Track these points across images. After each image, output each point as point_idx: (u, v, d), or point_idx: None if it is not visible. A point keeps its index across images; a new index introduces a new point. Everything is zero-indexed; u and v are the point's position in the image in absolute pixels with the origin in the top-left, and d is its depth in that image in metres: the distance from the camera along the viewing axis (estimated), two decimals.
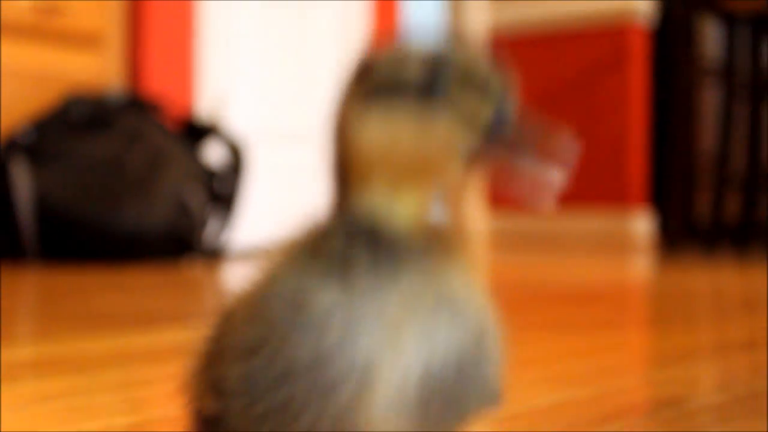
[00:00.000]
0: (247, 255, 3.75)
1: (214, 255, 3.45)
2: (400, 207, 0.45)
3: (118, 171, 3.20)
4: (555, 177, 0.43)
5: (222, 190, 3.47)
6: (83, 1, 3.54)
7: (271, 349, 0.42)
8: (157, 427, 0.90)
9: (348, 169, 0.46)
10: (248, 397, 0.42)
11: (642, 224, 5.65)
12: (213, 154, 3.58)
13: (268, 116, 4.06)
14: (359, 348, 0.42)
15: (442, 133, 0.44)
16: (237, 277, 2.87)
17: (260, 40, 4.05)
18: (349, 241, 0.44)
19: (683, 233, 4.28)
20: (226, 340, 0.45)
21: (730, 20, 4.34)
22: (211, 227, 3.45)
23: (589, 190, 5.65)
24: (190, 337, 1.49)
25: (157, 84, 3.69)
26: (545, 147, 0.44)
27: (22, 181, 3.16)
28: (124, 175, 3.20)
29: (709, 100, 4.64)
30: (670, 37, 4.37)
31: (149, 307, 1.99)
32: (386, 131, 0.44)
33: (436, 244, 0.45)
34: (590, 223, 5.71)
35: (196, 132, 3.53)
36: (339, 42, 4.34)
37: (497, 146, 0.45)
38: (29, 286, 2.48)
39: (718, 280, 2.85)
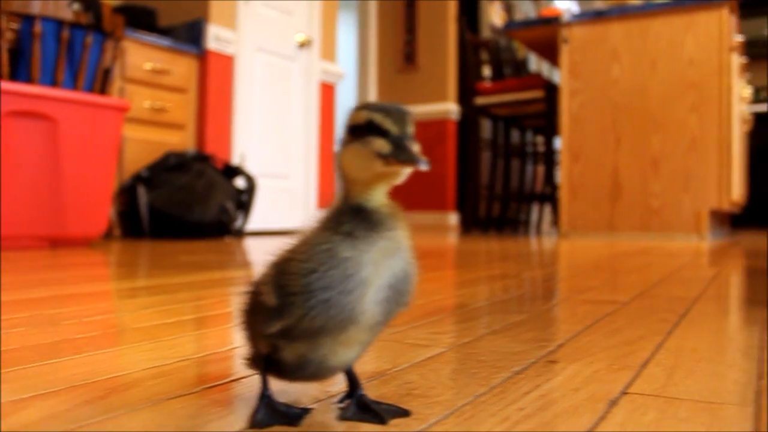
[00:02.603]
0: (255, 234, 3.76)
1: (239, 235, 3.45)
2: (374, 196, 0.43)
3: (192, 191, 3.21)
4: (416, 165, 0.40)
5: (244, 201, 3.47)
6: (177, 106, 3.58)
7: (321, 272, 0.41)
8: (212, 320, 0.91)
9: (344, 178, 0.44)
10: (306, 295, 0.41)
11: (453, 219, 5.73)
12: (240, 182, 3.56)
13: (266, 164, 4.00)
14: (362, 273, 0.41)
15: (369, 153, 0.41)
16: (250, 246, 2.82)
17: (262, 122, 4.00)
18: (351, 219, 0.42)
19: (472, 224, 4.29)
20: (290, 266, 0.42)
21: (495, 119, 4.40)
22: (238, 221, 3.45)
23: (428, 201, 5.75)
24: (227, 275, 1.56)
25: (211, 147, 3.67)
26: (412, 156, 0.40)
27: (142, 196, 3.16)
28: (195, 193, 3.20)
29: (485, 158, 4.77)
30: (467, 126, 4.36)
31: (206, 260, 1.94)
32: (347, 157, 0.43)
33: (393, 213, 0.44)
34: (427, 218, 5.73)
35: (231, 171, 3.52)
36: (305, 120, 4.30)
37: (395, 155, 0.41)
38: (145, 250, 2.40)
39: (489, 246, 2.79)
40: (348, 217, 0.43)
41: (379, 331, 0.45)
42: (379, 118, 0.42)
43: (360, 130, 0.42)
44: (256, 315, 0.46)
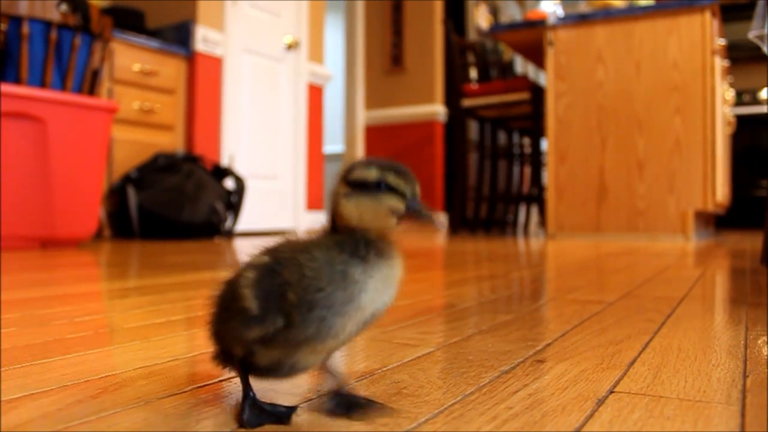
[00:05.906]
0: (245, 235, 3.76)
1: (229, 235, 3.45)
2: (367, 234, 0.45)
3: (181, 192, 3.20)
4: (433, 224, 0.44)
5: (233, 202, 3.47)
6: (165, 107, 3.57)
7: (328, 292, 0.42)
8: (202, 320, 0.91)
9: (337, 219, 0.46)
10: (306, 311, 0.42)
11: (441, 220, 5.76)
12: (229, 183, 3.56)
13: (255, 164, 4.01)
14: (361, 299, 0.43)
15: (384, 210, 0.44)
16: (240, 246, 2.81)
17: (250, 124, 4.01)
18: (365, 245, 0.44)
19: (459, 224, 4.29)
20: (293, 277, 0.43)
21: (482, 121, 4.39)
22: (227, 221, 3.45)
23: None
24: (216, 275, 1.57)
25: (200, 148, 3.67)
26: (429, 215, 0.44)
27: (132, 197, 3.17)
28: (184, 194, 3.20)
29: (472, 159, 4.78)
30: (454, 128, 4.37)
31: (196, 261, 1.93)
32: (356, 209, 0.44)
33: (390, 244, 0.46)
34: None
35: (220, 172, 3.52)
36: (293, 122, 4.33)
37: (410, 214, 0.44)
38: (135, 250, 2.40)
39: (476, 247, 2.79)
40: (361, 243, 0.45)
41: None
42: (392, 179, 0.45)
43: (368, 187, 0.45)
44: (230, 318, 0.46)
